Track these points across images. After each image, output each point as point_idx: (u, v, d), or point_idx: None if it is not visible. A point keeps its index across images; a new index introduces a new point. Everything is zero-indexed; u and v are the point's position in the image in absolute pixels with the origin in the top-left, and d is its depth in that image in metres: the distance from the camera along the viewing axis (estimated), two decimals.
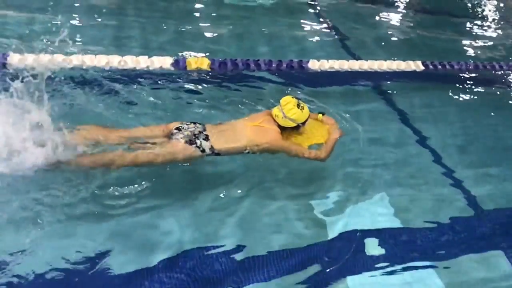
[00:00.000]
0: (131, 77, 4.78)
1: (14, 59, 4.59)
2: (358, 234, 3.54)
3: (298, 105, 3.66)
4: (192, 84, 4.89)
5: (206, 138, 3.53)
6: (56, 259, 2.92)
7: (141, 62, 4.98)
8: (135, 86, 4.62)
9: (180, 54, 5.44)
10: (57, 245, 3.02)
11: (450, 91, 5.85)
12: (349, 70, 5.76)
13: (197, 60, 5.23)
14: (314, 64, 5.67)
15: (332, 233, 3.49)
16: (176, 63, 5.11)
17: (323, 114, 4.10)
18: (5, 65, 4.54)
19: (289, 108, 3.64)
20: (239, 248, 3.24)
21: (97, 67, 4.78)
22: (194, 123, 3.66)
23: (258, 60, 5.50)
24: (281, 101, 3.71)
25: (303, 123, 3.75)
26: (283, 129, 3.73)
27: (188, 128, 3.56)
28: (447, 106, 5.55)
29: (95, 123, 3.58)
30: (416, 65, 6.06)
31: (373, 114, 5.03)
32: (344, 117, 4.57)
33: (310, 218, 3.61)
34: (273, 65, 5.50)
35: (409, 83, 5.94)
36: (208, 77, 5.12)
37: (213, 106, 4.54)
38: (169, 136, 3.56)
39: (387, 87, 5.71)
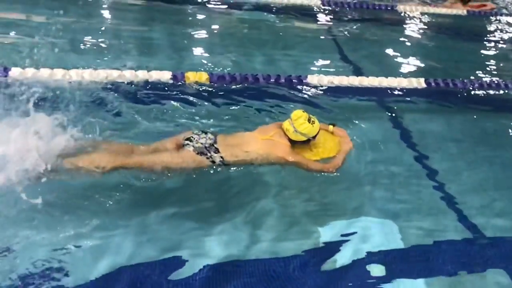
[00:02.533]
0: (132, 91, 5.06)
1: (15, 73, 4.87)
2: (368, 257, 3.60)
3: (309, 120, 3.92)
4: (195, 97, 5.15)
5: (217, 151, 3.79)
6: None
7: (140, 76, 5.25)
8: (138, 100, 4.88)
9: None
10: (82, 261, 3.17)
11: (455, 109, 6.01)
12: (349, 85, 6.03)
13: (196, 74, 5.51)
14: (313, 79, 5.96)
15: (341, 261, 3.55)
16: (174, 77, 5.38)
17: (334, 125, 4.33)
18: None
19: (300, 123, 3.90)
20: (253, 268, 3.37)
21: (96, 81, 5.03)
22: (206, 132, 3.94)
23: (257, 74, 5.77)
24: (291, 115, 3.97)
25: (314, 137, 4.01)
26: (293, 142, 3.99)
27: (199, 140, 3.84)
28: (455, 125, 5.63)
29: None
30: (418, 83, 6.25)
31: (377, 133, 5.13)
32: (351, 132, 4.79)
33: (320, 237, 3.70)
34: (272, 80, 5.76)
35: (414, 100, 6.05)
36: (210, 90, 5.41)
37: (221, 117, 4.80)
38: (181, 146, 3.85)
39: (391, 105, 5.87)
